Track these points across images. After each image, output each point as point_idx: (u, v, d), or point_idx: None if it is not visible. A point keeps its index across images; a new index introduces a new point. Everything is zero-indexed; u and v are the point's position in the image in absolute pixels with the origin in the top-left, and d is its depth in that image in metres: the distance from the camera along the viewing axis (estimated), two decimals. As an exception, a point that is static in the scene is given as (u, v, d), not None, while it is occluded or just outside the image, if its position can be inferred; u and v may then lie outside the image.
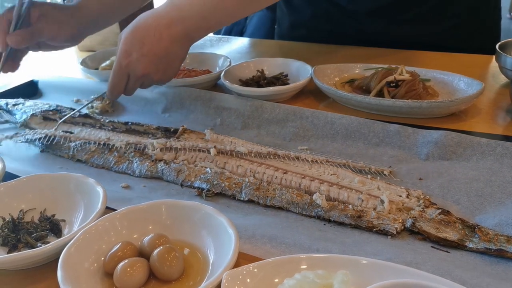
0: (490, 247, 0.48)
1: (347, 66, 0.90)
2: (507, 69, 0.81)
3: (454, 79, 0.80)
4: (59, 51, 0.90)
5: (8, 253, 0.49)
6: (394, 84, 0.79)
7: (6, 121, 0.86)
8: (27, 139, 0.76)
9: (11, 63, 0.83)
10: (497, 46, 0.84)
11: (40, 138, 0.75)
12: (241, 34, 1.77)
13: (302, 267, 0.42)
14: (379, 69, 0.83)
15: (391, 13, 0.99)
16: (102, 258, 0.46)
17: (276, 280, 0.41)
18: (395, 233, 0.52)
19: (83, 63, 1.01)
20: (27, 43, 0.80)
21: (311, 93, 0.86)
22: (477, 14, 1.03)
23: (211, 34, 1.77)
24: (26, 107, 0.87)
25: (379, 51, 1.03)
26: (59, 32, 0.82)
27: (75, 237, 0.45)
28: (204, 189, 0.61)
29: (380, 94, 0.79)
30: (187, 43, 0.74)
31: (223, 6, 0.72)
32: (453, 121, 0.73)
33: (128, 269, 0.44)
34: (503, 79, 0.85)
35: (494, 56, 0.85)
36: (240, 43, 1.27)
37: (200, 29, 0.74)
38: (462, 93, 0.76)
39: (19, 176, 0.61)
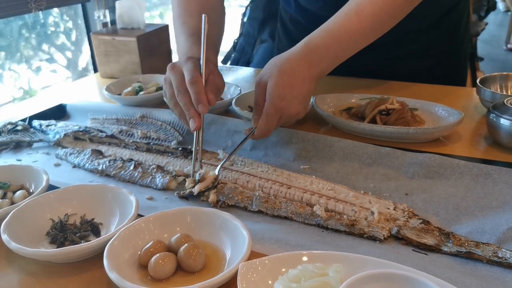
0: (461, 250, 0.57)
1: (344, 96, 0.99)
2: (486, 101, 0.91)
3: (438, 108, 0.90)
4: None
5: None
6: (385, 112, 0.88)
7: (40, 140, 0.96)
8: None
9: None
10: (477, 81, 0.95)
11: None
12: (247, 64, 1.89)
13: (303, 259, 0.51)
14: (373, 99, 0.93)
15: (387, 50, 1.10)
16: (138, 253, 0.55)
17: (283, 270, 0.50)
18: (382, 238, 0.60)
19: (108, 89, 1.11)
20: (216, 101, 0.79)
21: (312, 119, 0.95)
22: (457, 51, 1.15)
23: (220, 64, 1.89)
24: (58, 128, 0.97)
25: (372, 82, 1.13)
26: (223, 87, 0.83)
27: (117, 233, 0.55)
28: (220, 201, 0.71)
29: (373, 121, 0.88)
30: (319, 79, 0.81)
31: (355, 45, 0.81)
32: (437, 146, 0.83)
33: (160, 262, 0.53)
34: (484, 110, 0.95)
35: (475, 89, 0.96)
36: (247, 72, 1.38)
37: (332, 67, 0.82)
38: (445, 121, 0.87)
39: (58, 187, 0.71)
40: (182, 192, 0.74)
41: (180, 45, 0.92)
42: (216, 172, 0.75)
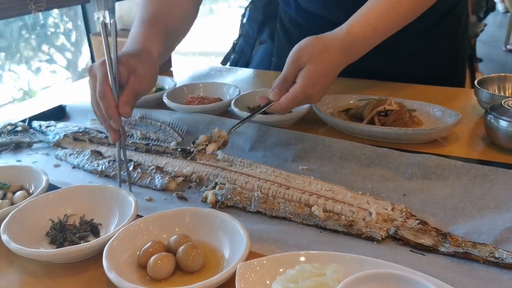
0: (458, 251, 0.57)
1: (343, 97, 1.00)
2: (483, 102, 0.92)
3: (436, 109, 0.91)
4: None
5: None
6: (384, 113, 0.89)
7: (40, 141, 0.96)
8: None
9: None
10: (475, 82, 0.95)
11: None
12: (247, 65, 1.90)
13: (301, 259, 0.51)
14: (371, 100, 0.93)
15: (386, 51, 1.10)
16: (138, 253, 0.56)
17: (281, 270, 0.51)
18: (380, 239, 0.61)
19: (107, 90, 1.12)
20: (133, 108, 0.74)
21: (311, 120, 0.95)
22: (455, 52, 1.15)
23: (220, 65, 1.90)
24: (57, 129, 0.98)
25: (371, 83, 1.13)
26: (148, 85, 0.79)
27: (117, 234, 0.56)
28: (219, 201, 0.71)
29: (371, 122, 0.89)
30: None
31: (385, 35, 0.82)
32: (435, 147, 0.83)
33: (159, 262, 0.53)
34: (482, 111, 0.95)
35: (473, 90, 0.96)
36: (247, 73, 1.39)
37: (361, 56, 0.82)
38: (443, 122, 0.87)
39: (58, 188, 0.71)
40: (194, 146, 0.76)
41: (132, 30, 0.89)
42: (226, 134, 0.77)
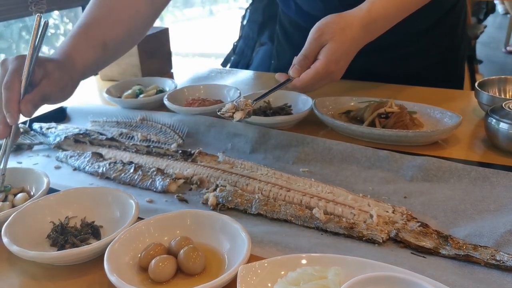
0: (459, 253, 0.57)
1: (343, 99, 1.00)
2: (484, 104, 0.92)
3: (437, 112, 0.91)
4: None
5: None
6: (384, 116, 0.89)
7: (41, 143, 0.96)
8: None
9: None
10: (476, 84, 0.95)
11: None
12: (247, 66, 1.90)
13: (302, 262, 0.51)
14: (372, 102, 0.94)
15: (385, 52, 1.11)
16: (139, 255, 0.56)
17: (282, 273, 0.51)
18: (381, 241, 0.61)
19: (108, 91, 1.12)
20: (36, 110, 0.73)
21: (312, 122, 0.96)
22: (454, 53, 1.15)
23: (221, 67, 1.90)
24: (58, 131, 0.98)
25: (371, 85, 1.13)
26: (59, 92, 0.78)
27: (118, 236, 0.56)
28: (220, 203, 0.71)
29: (372, 124, 0.89)
30: None
31: (405, 14, 0.83)
32: (435, 149, 0.83)
33: (160, 264, 0.53)
34: (482, 113, 0.96)
35: (474, 92, 0.96)
36: (247, 75, 1.39)
37: (380, 34, 0.83)
38: (444, 124, 0.87)
39: (59, 190, 0.71)
40: (220, 113, 0.76)
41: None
42: (251, 102, 0.77)
